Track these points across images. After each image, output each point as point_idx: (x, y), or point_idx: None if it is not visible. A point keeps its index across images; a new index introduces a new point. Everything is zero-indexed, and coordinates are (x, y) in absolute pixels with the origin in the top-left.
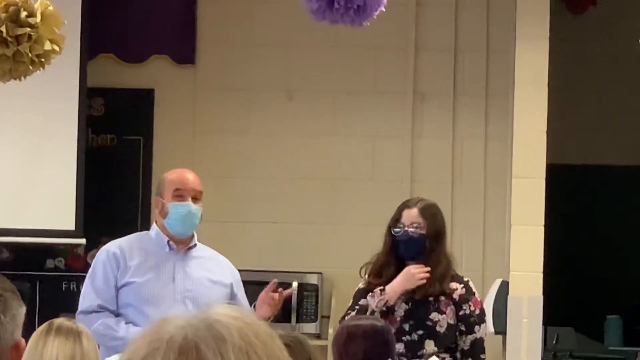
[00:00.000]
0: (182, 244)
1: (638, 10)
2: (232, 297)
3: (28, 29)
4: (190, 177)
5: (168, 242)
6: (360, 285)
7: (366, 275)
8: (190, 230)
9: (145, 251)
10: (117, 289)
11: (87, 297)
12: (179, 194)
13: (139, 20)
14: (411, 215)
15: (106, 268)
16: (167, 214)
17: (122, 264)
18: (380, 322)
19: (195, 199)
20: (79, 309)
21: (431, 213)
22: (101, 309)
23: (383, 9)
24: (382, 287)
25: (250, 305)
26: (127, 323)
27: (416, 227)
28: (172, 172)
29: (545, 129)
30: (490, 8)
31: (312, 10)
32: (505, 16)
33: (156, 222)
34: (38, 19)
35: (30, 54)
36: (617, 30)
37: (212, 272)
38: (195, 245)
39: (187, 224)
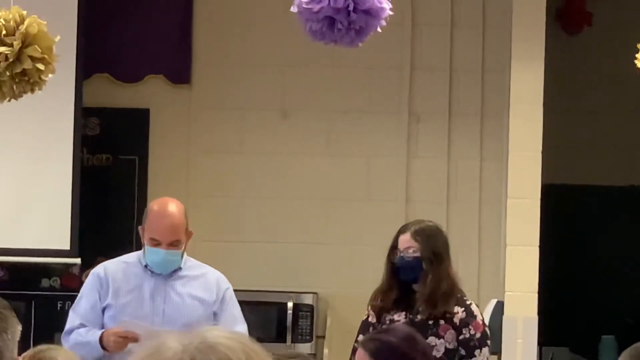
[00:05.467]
0: None
1: (633, 30)
2: (215, 315)
3: (4, 48)
4: (169, 226)
5: (146, 266)
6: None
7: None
8: (169, 270)
9: (128, 273)
10: (103, 311)
11: (71, 318)
12: (155, 243)
13: (134, 40)
14: (405, 240)
15: (92, 290)
16: (145, 253)
17: (105, 285)
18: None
19: (172, 245)
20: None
21: (425, 235)
22: (82, 326)
23: (379, 30)
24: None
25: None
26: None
27: (412, 252)
28: (157, 206)
29: (540, 149)
30: (485, 28)
31: (311, 30)
32: (501, 36)
33: None
34: (17, 38)
35: (9, 73)
36: (612, 51)
37: (196, 290)
38: (179, 269)
39: (163, 267)
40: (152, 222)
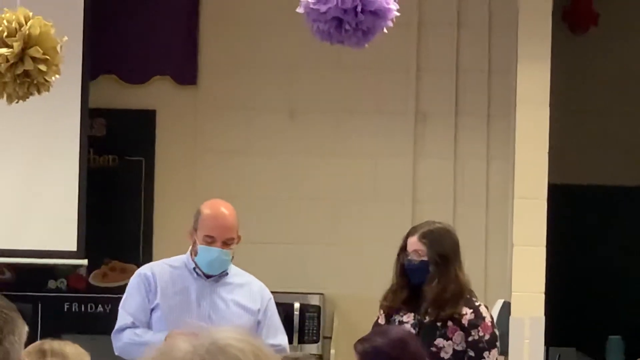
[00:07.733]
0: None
1: (639, 29)
2: (259, 324)
3: (4, 50)
4: (223, 223)
5: (194, 269)
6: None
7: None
8: (219, 271)
9: (174, 275)
10: (150, 311)
11: (121, 316)
12: (210, 240)
13: (140, 41)
14: (413, 243)
15: (140, 289)
16: (197, 253)
17: (153, 285)
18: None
19: (226, 244)
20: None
21: (432, 238)
22: (134, 325)
23: (385, 30)
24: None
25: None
26: None
27: (419, 255)
28: (209, 208)
29: (547, 149)
30: (491, 28)
31: (318, 30)
32: (507, 36)
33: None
34: (18, 39)
35: (10, 75)
36: (618, 50)
37: (240, 298)
38: (226, 274)
39: (215, 267)
40: (207, 220)
